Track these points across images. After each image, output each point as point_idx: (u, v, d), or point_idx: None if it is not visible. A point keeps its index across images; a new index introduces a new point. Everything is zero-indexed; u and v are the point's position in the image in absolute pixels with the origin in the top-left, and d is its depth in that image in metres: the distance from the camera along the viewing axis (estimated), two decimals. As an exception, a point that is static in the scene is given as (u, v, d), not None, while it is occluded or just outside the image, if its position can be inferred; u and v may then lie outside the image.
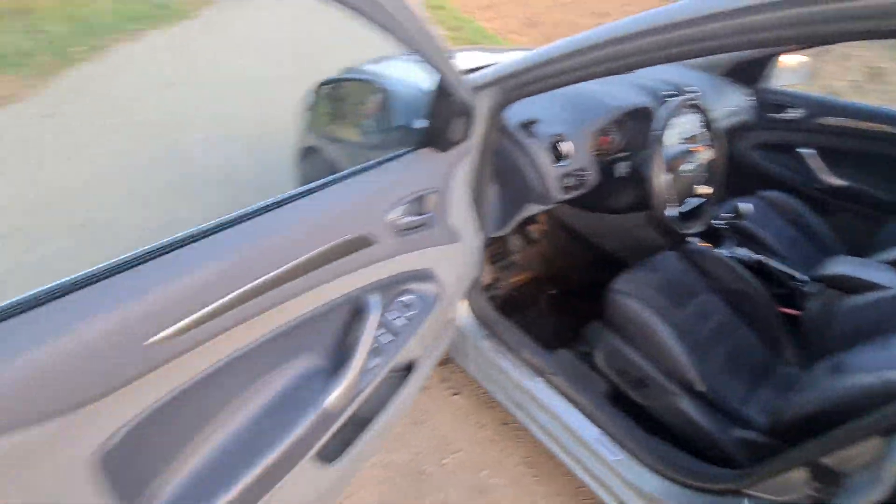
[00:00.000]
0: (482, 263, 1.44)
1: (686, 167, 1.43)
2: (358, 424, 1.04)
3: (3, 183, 2.61)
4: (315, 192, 0.80)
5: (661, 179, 1.33)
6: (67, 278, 0.54)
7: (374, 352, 0.92)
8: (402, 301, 0.99)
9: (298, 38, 5.65)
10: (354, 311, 0.87)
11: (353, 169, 0.88)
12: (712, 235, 1.76)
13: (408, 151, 0.99)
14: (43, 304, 0.51)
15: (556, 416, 1.32)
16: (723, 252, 1.73)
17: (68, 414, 0.51)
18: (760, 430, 1.14)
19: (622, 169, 1.44)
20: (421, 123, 1.01)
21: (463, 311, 1.52)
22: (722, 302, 1.46)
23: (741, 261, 1.68)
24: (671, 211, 1.42)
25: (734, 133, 2.23)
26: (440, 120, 0.97)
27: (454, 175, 1.07)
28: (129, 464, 0.59)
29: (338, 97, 1.56)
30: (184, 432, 0.66)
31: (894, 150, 1.91)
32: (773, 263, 1.65)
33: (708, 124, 1.61)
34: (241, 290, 0.64)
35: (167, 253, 0.61)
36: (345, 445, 0.97)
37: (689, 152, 1.45)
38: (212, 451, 0.67)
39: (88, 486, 0.55)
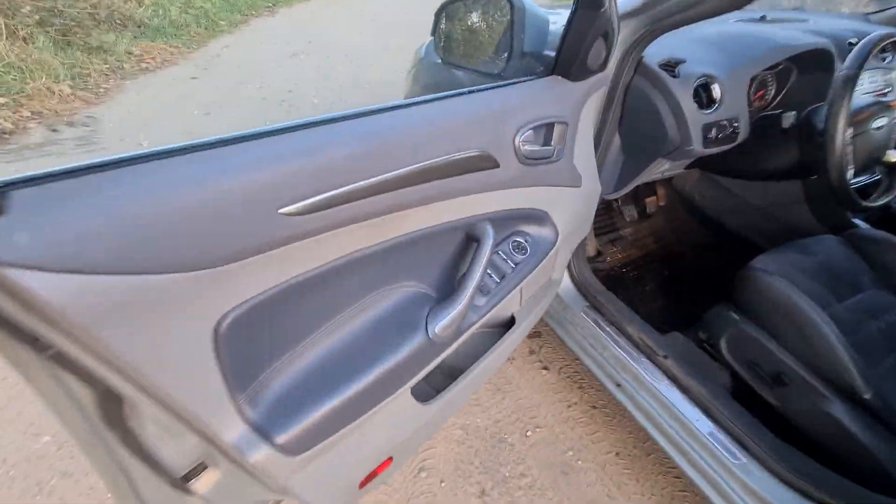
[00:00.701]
0: (591, 223, 1.30)
1: (877, 125, 1.15)
2: (449, 373, 0.98)
3: (156, 130, 2.98)
4: (442, 100, 0.74)
5: (843, 136, 1.06)
6: (208, 138, 0.54)
7: (482, 289, 0.85)
8: (515, 241, 0.90)
9: (417, 13, 5.74)
10: (469, 239, 0.81)
11: (481, 87, 0.81)
12: (890, 221, 1.42)
13: (537, 77, 0.89)
14: (183, 153, 0.51)
15: (665, 403, 1.15)
16: None
17: (197, 270, 0.50)
18: None
19: (786, 121, 1.18)
20: (551, 52, 0.91)
21: (564, 277, 1.40)
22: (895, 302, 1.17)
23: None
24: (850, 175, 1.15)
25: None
26: (578, 42, 0.86)
27: (584, 109, 0.95)
28: (242, 345, 0.58)
29: (463, 17, 1.47)
30: (298, 327, 0.64)
31: None
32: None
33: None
34: (367, 182, 0.61)
35: (300, 130, 0.59)
36: (437, 391, 0.92)
37: (884, 106, 1.16)
38: (320, 354, 0.65)
39: (203, 355, 0.54)
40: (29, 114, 2.95)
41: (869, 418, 0.96)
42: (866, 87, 1.25)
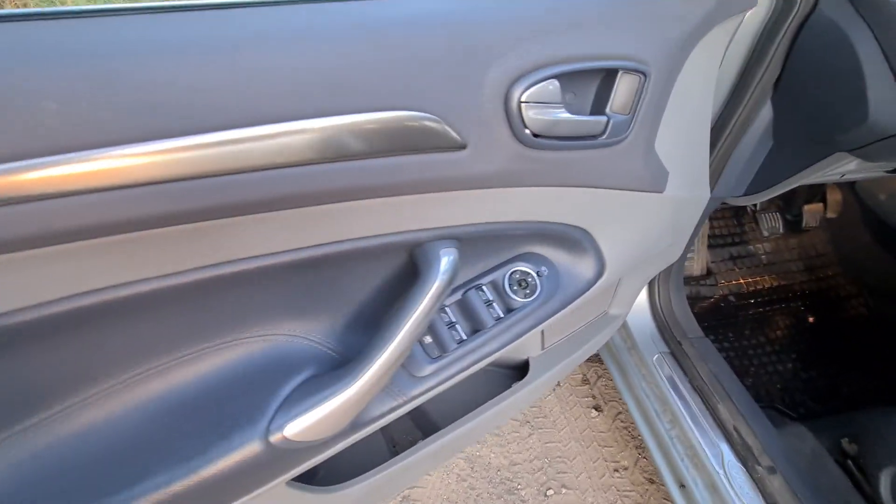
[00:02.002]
0: (694, 242, 0.85)
1: None
2: (416, 423, 0.69)
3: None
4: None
5: None
6: None
7: (429, 348, 0.51)
8: (516, 274, 0.54)
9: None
10: (408, 271, 0.47)
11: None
12: None
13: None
14: None
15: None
16: None
17: None
18: None
19: None
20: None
21: (639, 305, 0.98)
22: None
23: None
24: None
25: None
26: None
27: (694, 51, 0.50)
28: None
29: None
30: (34, 390, 0.39)
31: None
32: None
33: None
34: (224, 134, 0.32)
35: None
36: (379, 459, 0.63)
37: None
38: (64, 444, 0.39)
39: None
40: None
41: None
42: None
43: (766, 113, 0.73)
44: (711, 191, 0.77)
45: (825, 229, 1.24)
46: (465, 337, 0.51)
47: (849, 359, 1.10)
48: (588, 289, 0.56)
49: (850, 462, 0.80)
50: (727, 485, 0.78)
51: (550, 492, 1.11)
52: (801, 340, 1.14)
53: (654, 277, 0.95)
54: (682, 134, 0.56)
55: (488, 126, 0.40)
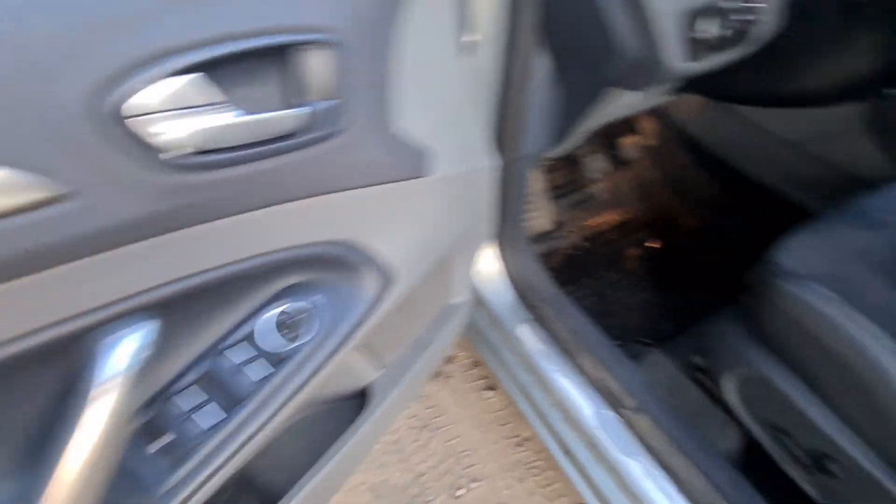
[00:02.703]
0: (513, 209, 0.81)
1: None
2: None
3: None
4: None
5: None
6: None
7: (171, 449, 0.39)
8: (282, 316, 0.43)
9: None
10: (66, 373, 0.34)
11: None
12: None
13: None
14: None
15: (637, 489, 0.73)
16: None
17: None
18: None
19: None
20: None
21: (491, 276, 0.94)
22: None
23: None
24: None
25: None
26: None
27: (413, 6, 0.42)
28: None
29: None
30: None
31: None
32: None
33: None
34: None
35: None
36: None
37: None
38: None
39: None
40: None
41: None
42: None
43: (544, 61, 0.70)
44: (519, 149, 0.74)
45: (647, 158, 1.31)
46: (220, 419, 0.39)
47: (694, 272, 1.17)
48: (378, 303, 0.48)
49: (701, 375, 0.84)
50: (604, 437, 0.77)
51: (461, 491, 1.06)
52: (651, 267, 1.20)
53: (506, 246, 0.92)
54: (439, 105, 0.49)
55: (90, 159, 0.28)
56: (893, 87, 0.67)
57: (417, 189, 0.47)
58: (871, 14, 0.55)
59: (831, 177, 0.99)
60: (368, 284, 0.47)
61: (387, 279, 0.48)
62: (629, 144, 1.25)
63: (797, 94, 0.67)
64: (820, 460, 0.64)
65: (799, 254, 0.70)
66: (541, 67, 0.69)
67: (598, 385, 0.81)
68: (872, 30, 0.55)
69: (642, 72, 0.59)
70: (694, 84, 0.82)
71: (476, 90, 0.64)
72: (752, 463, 0.74)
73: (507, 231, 0.87)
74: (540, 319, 0.91)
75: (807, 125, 0.87)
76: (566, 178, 1.23)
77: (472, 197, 0.58)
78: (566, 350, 0.86)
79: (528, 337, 0.90)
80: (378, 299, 0.48)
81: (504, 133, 0.70)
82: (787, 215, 0.80)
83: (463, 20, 0.52)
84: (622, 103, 0.76)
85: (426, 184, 0.47)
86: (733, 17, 0.55)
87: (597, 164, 1.22)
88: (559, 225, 1.22)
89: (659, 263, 1.20)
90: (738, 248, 0.84)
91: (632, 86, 0.63)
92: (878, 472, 0.58)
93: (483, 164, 0.56)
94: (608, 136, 1.25)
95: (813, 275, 0.66)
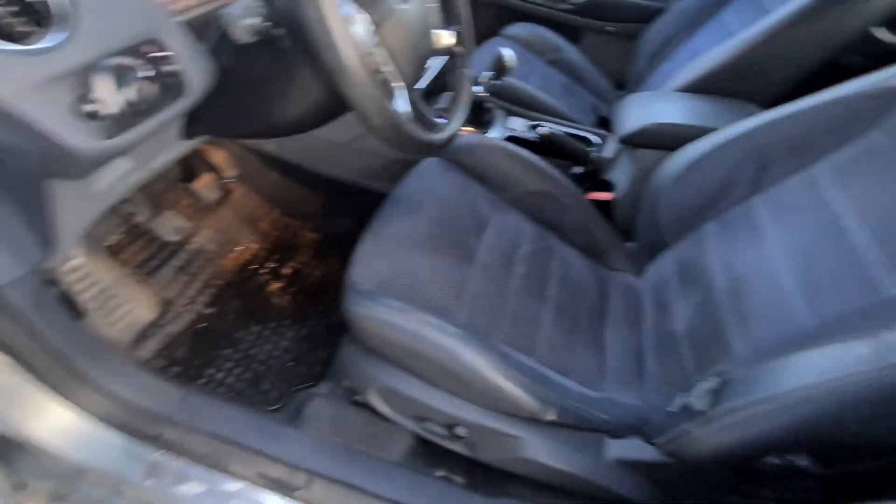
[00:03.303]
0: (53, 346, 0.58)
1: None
2: None
3: None
4: None
5: (349, 35, 0.50)
6: None
7: None
8: None
9: None
10: None
11: None
12: (472, 113, 1.18)
13: None
14: None
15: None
16: (496, 135, 1.18)
17: None
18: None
19: (241, 32, 0.54)
20: None
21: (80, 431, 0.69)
22: (524, 220, 0.92)
23: (525, 141, 1.16)
24: (402, 99, 0.66)
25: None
26: None
27: None
28: None
29: None
30: None
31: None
32: (565, 130, 1.17)
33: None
34: None
35: None
36: None
37: None
38: None
39: None
40: None
41: (569, 442, 0.68)
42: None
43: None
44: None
45: (239, 187, 1.20)
46: None
47: (331, 286, 1.17)
48: None
49: (356, 397, 0.83)
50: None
51: None
52: (291, 299, 1.14)
53: (81, 389, 0.66)
54: None
55: None
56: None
57: None
58: (293, 58, 0.55)
59: (393, 164, 1.10)
60: None
61: None
62: (206, 186, 1.11)
63: (285, 125, 0.67)
64: (452, 429, 0.71)
65: (367, 265, 0.73)
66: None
67: (263, 482, 0.70)
68: (299, 67, 0.57)
69: (61, 164, 0.44)
70: (199, 129, 0.72)
71: None
72: (428, 451, 0.79)
73: (73, 374, 0.63)
74: (168, 445, 0.72)
75: (339, 127, 0.92)
76: (145, 252, 1.00)
77: None
78: (212, 465, 0.71)
79: (159, 473, 0.70)
80: None
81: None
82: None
83: None
84: (113, 181, 0.60)
85: None
86: (136, 82, 0.45)
87: (172, 223, 1.03)
88: (167, 305, 1.00)
89: (296, 291, 1.15)
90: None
91: (70, 176, 0.48)
92: (484, 421, 0.68)
93: None
94: (174, 190, 1.07)
95: (379, 282, 0.70)
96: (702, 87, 1.03)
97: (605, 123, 1.36)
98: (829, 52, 1.01)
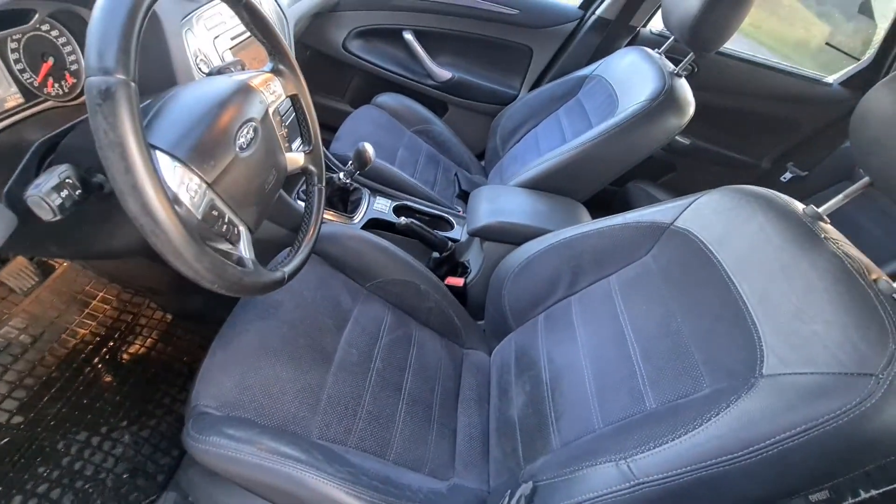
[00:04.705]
0: None
1: (240, 138, 0.57)
2: None
3: None
4: None
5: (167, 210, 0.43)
6: None
7: None
8: None
9: None
10: None
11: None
12: (338, 195, 1.20)
13: None
14: None
15: None
16: (356, 224, 1.20)
17: None
18: None
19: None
20: None
21: None
22: (384, 308, 0.97)
23: (389, 224, 1.21)
24: (245, 243, 0.60)
25: (318, 22, 1.62)
26: None
27: None
28: None
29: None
30: None
31: (490, 31, 1.71)
32: (426, 210, 1.25)
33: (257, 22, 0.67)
34: None
35: None
36: None
37: (246, 88, 0.61)
38: None
39: None
40: None
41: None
42: (208, 47, 0.78)
43: None
44: None
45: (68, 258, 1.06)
46: None
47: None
48: None
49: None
50: None
51: None
52: (120, 390, 1.02)
53: None
54: None
55: None
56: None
57: None
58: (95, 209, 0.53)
59: (256, 243, 1.06)
60: None
61: None
62: (16, 272, 0.95)
63: (118, 250, 0.62)
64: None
65: (214, 383, 0.69)
66: None
67: None
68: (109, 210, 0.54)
69: None
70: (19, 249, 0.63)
71: None
72: None
73: None
74: None
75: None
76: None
77: None
78: None
79: None
80: None
81: None
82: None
83: None
84: None
85: None
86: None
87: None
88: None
89: (135, 381, 1.04)
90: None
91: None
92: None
93: None
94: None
95: (226, 403, 0.68)
96: (537, 185, 1.20)
97: (466, 195, 1.48)
98: (638, 158, 1.23)
